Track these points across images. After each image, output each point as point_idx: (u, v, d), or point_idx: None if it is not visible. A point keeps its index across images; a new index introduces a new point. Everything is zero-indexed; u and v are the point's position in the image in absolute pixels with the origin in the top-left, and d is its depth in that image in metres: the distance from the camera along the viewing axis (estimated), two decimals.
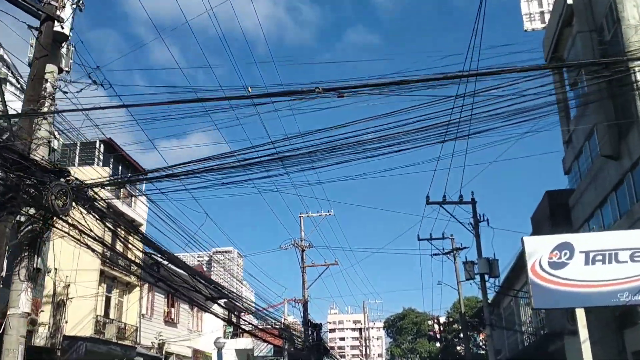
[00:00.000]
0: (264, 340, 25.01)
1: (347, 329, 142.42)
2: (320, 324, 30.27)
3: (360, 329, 76.79)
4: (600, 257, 12.83)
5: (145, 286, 21.36)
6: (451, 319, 39.72)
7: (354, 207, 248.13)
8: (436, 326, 41.69)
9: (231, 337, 29.97)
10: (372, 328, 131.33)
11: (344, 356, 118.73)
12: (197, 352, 20.92)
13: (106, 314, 21.09)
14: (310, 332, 29.57)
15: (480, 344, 41.05)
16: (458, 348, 39.30)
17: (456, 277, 32.09)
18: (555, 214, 22.27)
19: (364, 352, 74.07)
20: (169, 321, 23.65)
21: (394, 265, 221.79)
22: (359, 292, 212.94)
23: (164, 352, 20.16)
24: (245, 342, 29.80)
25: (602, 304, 13.01)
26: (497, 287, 22.48)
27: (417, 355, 38.26)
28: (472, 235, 22.91)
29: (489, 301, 23.38)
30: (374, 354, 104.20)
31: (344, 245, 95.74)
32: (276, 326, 24.35)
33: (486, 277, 22.31)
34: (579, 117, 19.64)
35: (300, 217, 32.04)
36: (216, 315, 20.24)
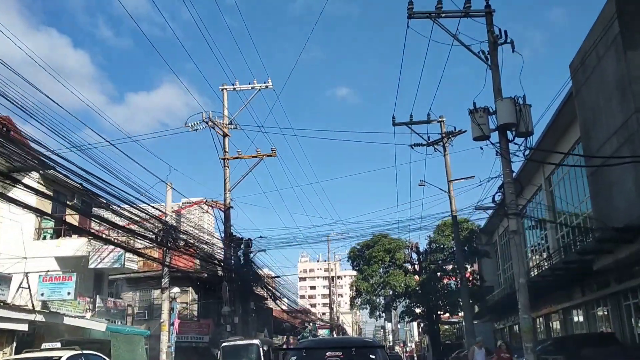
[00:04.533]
0: (113, 243, 15.32)
1: (318, 277, 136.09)
2: (250, 240, 20.79)
3: (332, 277, 68.36)
4: None
5: None
6: (433, 246, 30.81)
7: (296, 78, 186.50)
8: (414, 255, 32.87)
9: (52, 238, 19.84)
10: (345, 276, 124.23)
11: (314, 305, 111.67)
12: None
13: None
14: (232, 251, 20.20)
15: (470, 278, 32.39)
16: (444, 282, 30.57)
17: (446, 176, 22.75)
18: (631, 18, 13.04)
19: (332, 300, 65.98)
20: None
21: (358, 162, 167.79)
22: (310, 207, 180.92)
23: None
24: (75, 245, 19.10)
25: None
26: (527, 150, 13.01)
27: (391, 290, 29.39)
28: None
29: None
30: (343, 302, 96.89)
31: (289, 131, 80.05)
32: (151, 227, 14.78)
33: (509, 135, 12.91)
34: None
35: (222, 90, 22.14)
36: (14, 201, 10.82)
